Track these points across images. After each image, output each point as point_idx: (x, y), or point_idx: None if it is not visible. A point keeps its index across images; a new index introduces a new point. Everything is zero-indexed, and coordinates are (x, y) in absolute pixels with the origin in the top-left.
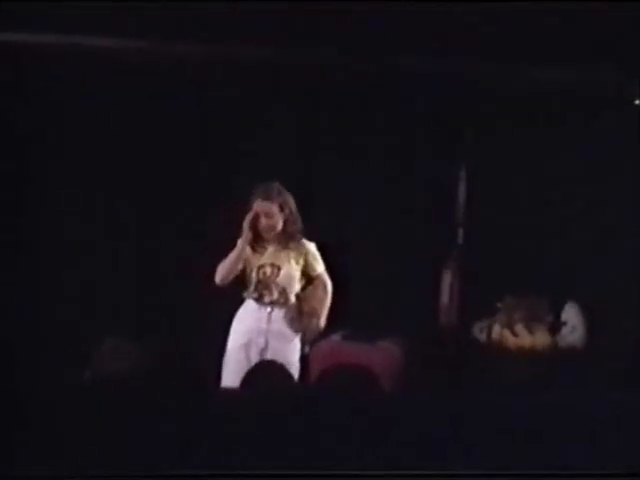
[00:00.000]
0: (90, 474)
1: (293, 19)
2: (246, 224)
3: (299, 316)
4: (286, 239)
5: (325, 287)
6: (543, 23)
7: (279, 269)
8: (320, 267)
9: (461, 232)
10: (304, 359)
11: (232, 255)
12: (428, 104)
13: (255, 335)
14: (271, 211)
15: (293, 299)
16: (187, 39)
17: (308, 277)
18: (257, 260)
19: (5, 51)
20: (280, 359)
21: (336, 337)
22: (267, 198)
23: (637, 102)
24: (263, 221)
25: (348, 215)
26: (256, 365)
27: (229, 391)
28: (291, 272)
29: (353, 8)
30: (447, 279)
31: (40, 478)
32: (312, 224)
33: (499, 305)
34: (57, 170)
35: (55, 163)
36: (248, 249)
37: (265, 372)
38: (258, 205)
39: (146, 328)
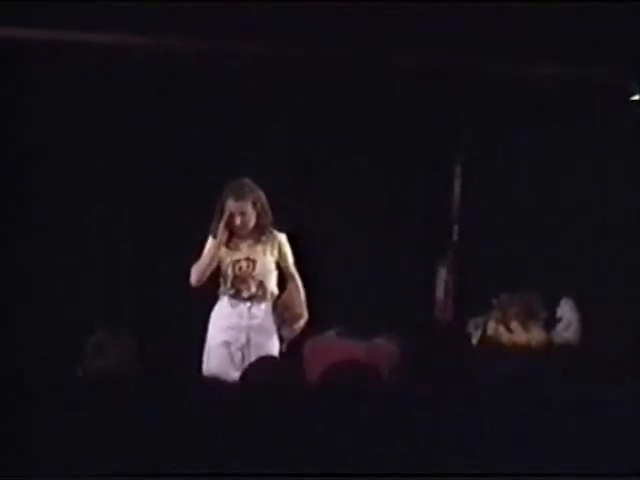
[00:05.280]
0: (78, 473)
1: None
2: (222, 225)
3: (281, 318)
4: (259, 232)
5: (297, 286)
6: (542, 21)
7: (254, 263)
8: (291, 258)
9: (456, 228)
10: (290, 355)
11: (206, 255)
12: (424, 101)
13: (236, 331)
14: (245, 210)
15: (271, 291)
16: (167, 36)
17: (280, 269)
18: (231, 256)
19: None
20: (262, 354)
21: (331, 334)
22: (240, 197)
23: (635, 99)
24: (238, 220)
25: (345, 211)
26: (255, 362)
27: (222, 386)
28: (267, 264)
29: (347, 5)
30: (442, 275)
31: (37, 478)
32: (307, 220)
33: (494, 301)
34: (46, 169)
35: (46, 160)
36: (222, 247)
37: (263, 369)
38: (232, 206)
39: (128, 326)
